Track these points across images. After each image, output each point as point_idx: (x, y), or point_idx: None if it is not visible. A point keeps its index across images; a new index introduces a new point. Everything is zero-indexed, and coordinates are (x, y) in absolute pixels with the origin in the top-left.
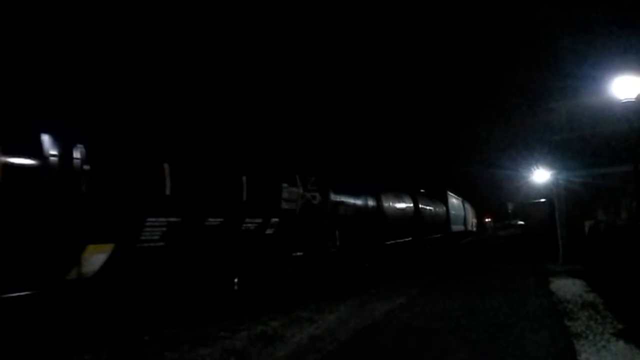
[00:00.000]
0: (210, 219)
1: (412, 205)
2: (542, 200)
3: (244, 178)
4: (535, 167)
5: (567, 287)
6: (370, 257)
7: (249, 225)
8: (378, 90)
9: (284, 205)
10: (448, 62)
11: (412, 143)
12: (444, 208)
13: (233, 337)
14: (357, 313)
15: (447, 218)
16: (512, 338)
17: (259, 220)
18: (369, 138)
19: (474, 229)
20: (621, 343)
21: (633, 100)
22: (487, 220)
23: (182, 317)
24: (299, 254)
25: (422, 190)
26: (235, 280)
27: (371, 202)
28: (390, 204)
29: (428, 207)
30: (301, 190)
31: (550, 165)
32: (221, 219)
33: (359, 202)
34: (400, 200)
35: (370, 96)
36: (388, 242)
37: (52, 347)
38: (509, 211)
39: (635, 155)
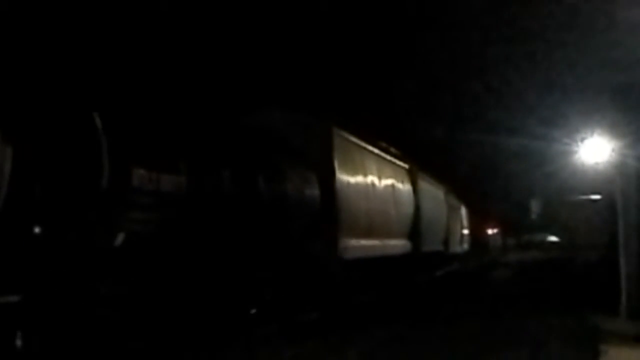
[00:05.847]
0: None
1: None
2: (596, 197)
3: None
4: (583, 136)
5: None
6: None
7: None
8: None
9: None
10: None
11: None
12: (316, 190)
13: None
14: None
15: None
16: None
17: None
18: None
19: (464, 246)
20: None
21: None
22: (490, 231)
23: None
24: None
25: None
26: None
27: None
28: None
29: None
30: None
31: (612, 129)
32: None
33: None
34: None
35: None
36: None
37: None
38: (532, 216)
39: None
